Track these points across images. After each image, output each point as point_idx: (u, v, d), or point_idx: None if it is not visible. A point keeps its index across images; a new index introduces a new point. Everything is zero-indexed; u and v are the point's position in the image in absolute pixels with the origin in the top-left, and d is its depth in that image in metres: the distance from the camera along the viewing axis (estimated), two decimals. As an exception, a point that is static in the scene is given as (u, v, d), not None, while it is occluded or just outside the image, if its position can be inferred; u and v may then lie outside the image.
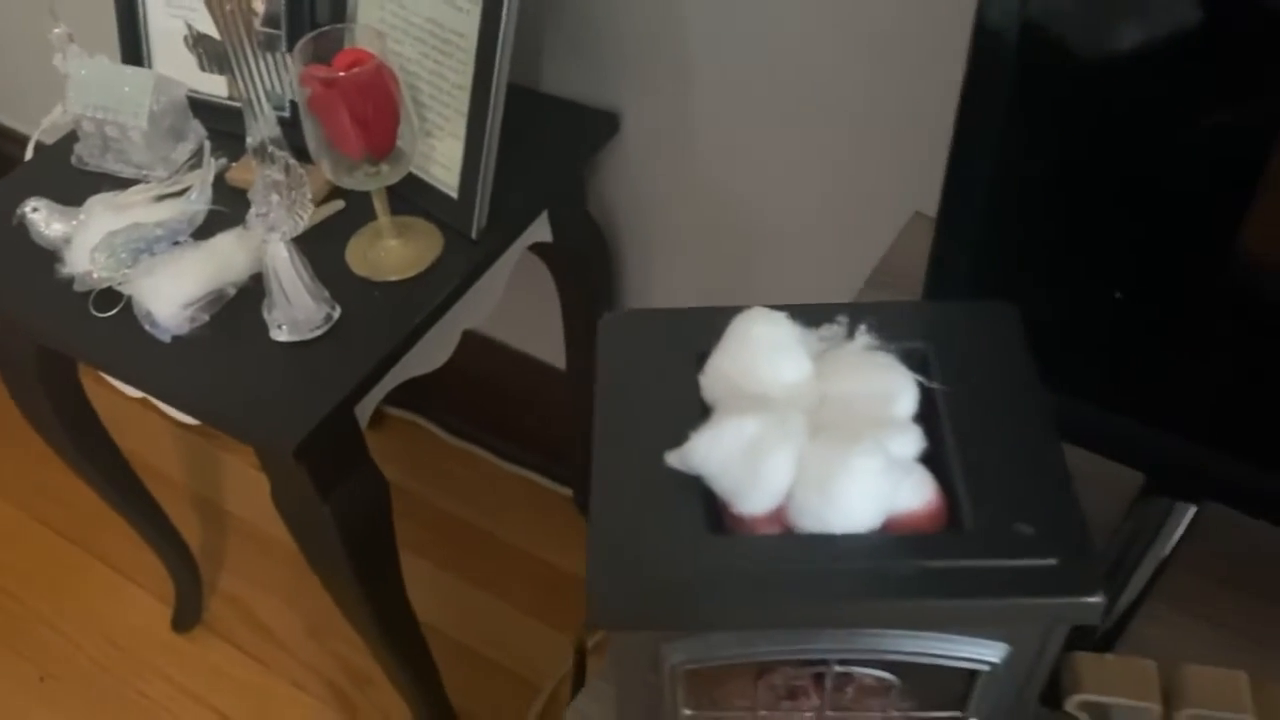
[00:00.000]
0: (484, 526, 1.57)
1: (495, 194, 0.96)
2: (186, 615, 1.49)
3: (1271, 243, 0.51)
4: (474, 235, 0.97)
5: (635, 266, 1.26)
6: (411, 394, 1.65)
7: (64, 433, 1.17)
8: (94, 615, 1.52)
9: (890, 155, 0.94)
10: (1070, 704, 0.49)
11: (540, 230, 1.10)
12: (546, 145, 1.07)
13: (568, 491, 1.58)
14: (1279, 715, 0.47)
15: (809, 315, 0.46)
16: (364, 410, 0.95)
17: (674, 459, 0.41)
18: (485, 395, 1.57)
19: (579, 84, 1.11)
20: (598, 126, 1.10)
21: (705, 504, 0.41)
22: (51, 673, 1.47)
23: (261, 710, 1.42)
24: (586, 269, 1.21)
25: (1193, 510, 0.60)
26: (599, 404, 0.45)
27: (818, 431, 0.41)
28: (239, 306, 0.93)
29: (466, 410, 1.63)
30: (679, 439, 0.42)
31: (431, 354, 1.01)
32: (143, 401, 1.57)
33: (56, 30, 1.02)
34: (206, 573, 1.52)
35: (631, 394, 0.45)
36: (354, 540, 0.97)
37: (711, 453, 0.40)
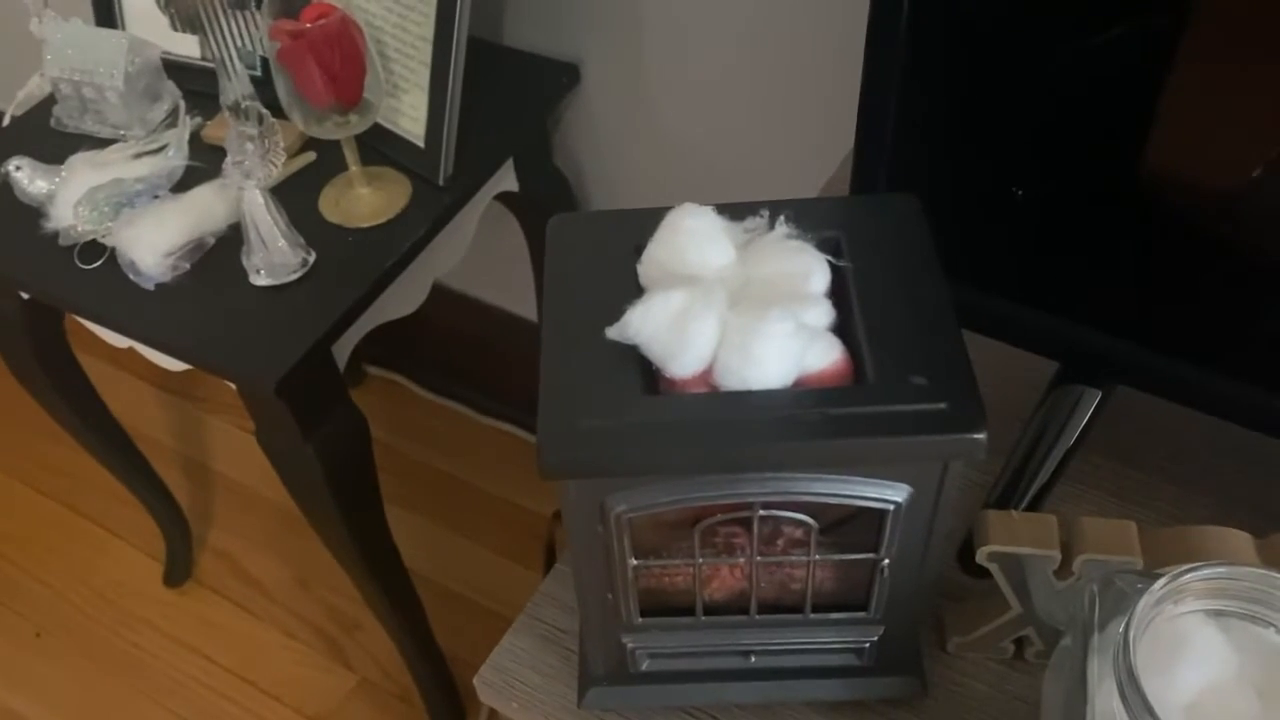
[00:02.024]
0: (463, 477, 1.62)
1: (460, 143, 1.01)
2: (177, 570, 1.54)
3: (1162, 145, 0.57)
4: (441, 182, 1.02)
5: (600, 216, 1.31)
6: (390, 352, 1.70)
7: (53, 390, 1.21)
8: (85, 572, 1.57)
9: (828, 95, 1.00)
10: (981, 555, 0.54)
11: (507, 180, 1.14)
12: (509, 96, 1.12)
13: (543, 441, 1.63)
14: (1163, 555, 0.53)
15: (734, 210, 0.51)
16: (341, 351, 0.99)
17: (613, 331, 0.46)
18: (461, 351, 1.62)
19: (540, 37, 1.15)
20: (559, 78, 1.15)
21: (641, 371, 0.46)
22: (47, 628, 1.52)
23: (253, 658, 1.47)
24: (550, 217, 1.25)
25: (1098, 396, 0.65)
26: (547, 291, 0.50)
27: (739, 305, 0.46)
28: (218, 255, 0.98)
29: (443, 366, 1.68)
30: (618, 316, 0.47)
31: (404, 298, 1.06)
32: (129, 367, 1.62)
33: (32, -4, 1.06)
34: (195, 529, 1.56)
35: (576, 281, 0.50)
36: (337, 477, 1.01)
37: (644, 323, 0.45)
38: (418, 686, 1.37)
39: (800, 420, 0.44)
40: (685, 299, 0.45)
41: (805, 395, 0.45)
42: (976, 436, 0.43)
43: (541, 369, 0.47)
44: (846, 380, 0.46)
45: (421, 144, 1.02)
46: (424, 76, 0.99)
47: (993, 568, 0.56)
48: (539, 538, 1.56)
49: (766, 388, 0.45)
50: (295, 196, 0.99)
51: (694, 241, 0.49)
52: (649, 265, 0.49)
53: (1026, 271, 0.64)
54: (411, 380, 1.72)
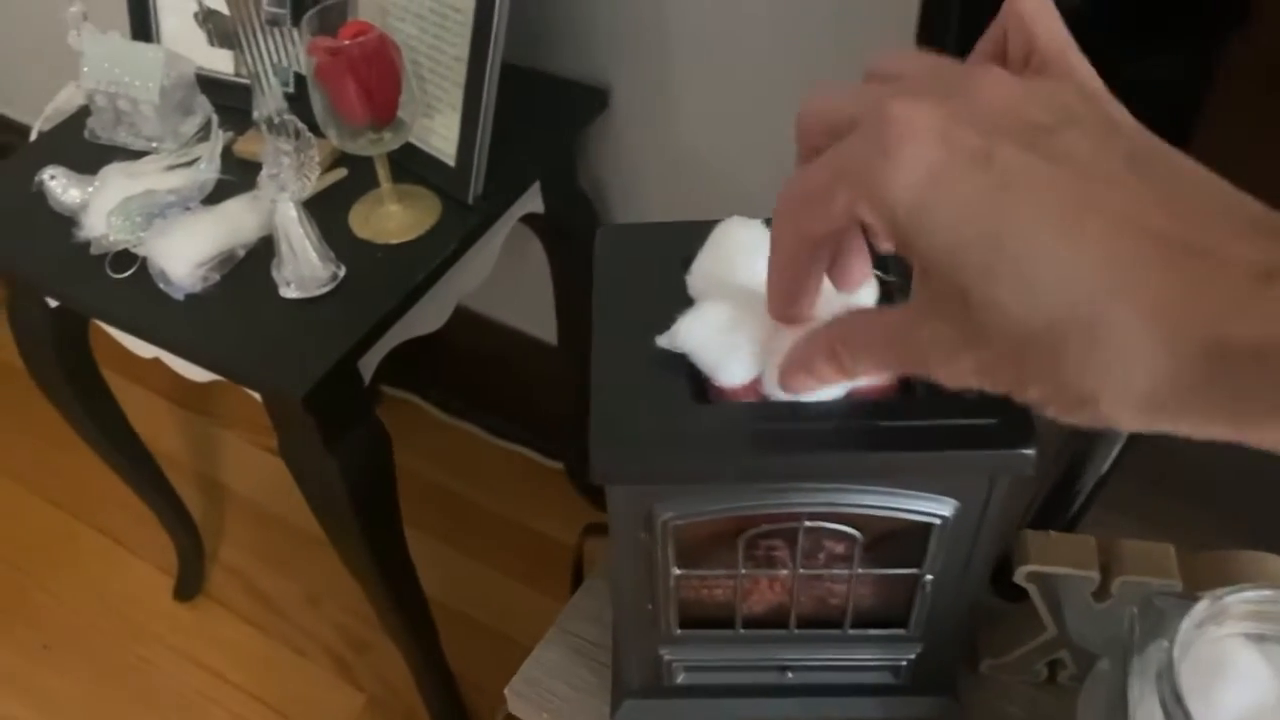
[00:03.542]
0: (477, 500, 1.62)
1: (490, 164, 1.02)
2: (189, 584, 1.54)
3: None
4: (470, 201, 1.03)
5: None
6: (406, 372, 1.71)
7: (75, 400, 1.22)
8: (95, 585, 1.57)
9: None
10: (1019, 575, 0.55)
11: (533, 201, 1.15)
12: (539, 119, 1.13)
13: (558, 465, 1.63)
14: (1201, 579, 0.53)
15: (782, 225, 0.52)
16: (367, 365, 1.00)
17: (663, 340, 0.46)
18: (478, 372, 1.62)
19: (570, 61, 1.17)
20: (587, 102, 1.16)
21: (691, 379, 0.47)
22: (55, 640, 1.51)
23: (262, 675, 1.46)
24: (576, 240, 1.26)
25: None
26: (596, 301, 0.51)
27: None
28: (248, 267, 0.99)
29: (460, 387, 1.69)
30: (668, 326, 0.47)
31: (430, 315, 1.07)
32: (144, 380, 1.62)
33: (72, 9, 1.07)
34: (206, 544, 1.56)
35: (625, 291, 0.51)
36: (359, 491, 1.02)
37: (694, 331, 0.45)
38: (426, 707, 1.36)
39: (850, 431, 0.44)
40: (735, 309, 0.45)
41: (855, 407, 0.45)
42: (1025, 452, 0.44)
43: (592, 376, 0.47)
44: (895, 393, 0.46)
45: (452, 163, 1.03)
46: (457, 97, 1.00)
47: (1030, 588, 0.56)
48: (550, 562, 1.56)
49: (817, 399, 0.45)
50: (326, 212, 1.00)
51: (743, 253, 0.49)
52: (697, 276, 0.50)
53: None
54: (427, 401, 1.73)
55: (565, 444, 1.59)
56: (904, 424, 0.44)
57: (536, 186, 1.14)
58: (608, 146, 1.23)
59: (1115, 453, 0.66)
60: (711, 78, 1.09)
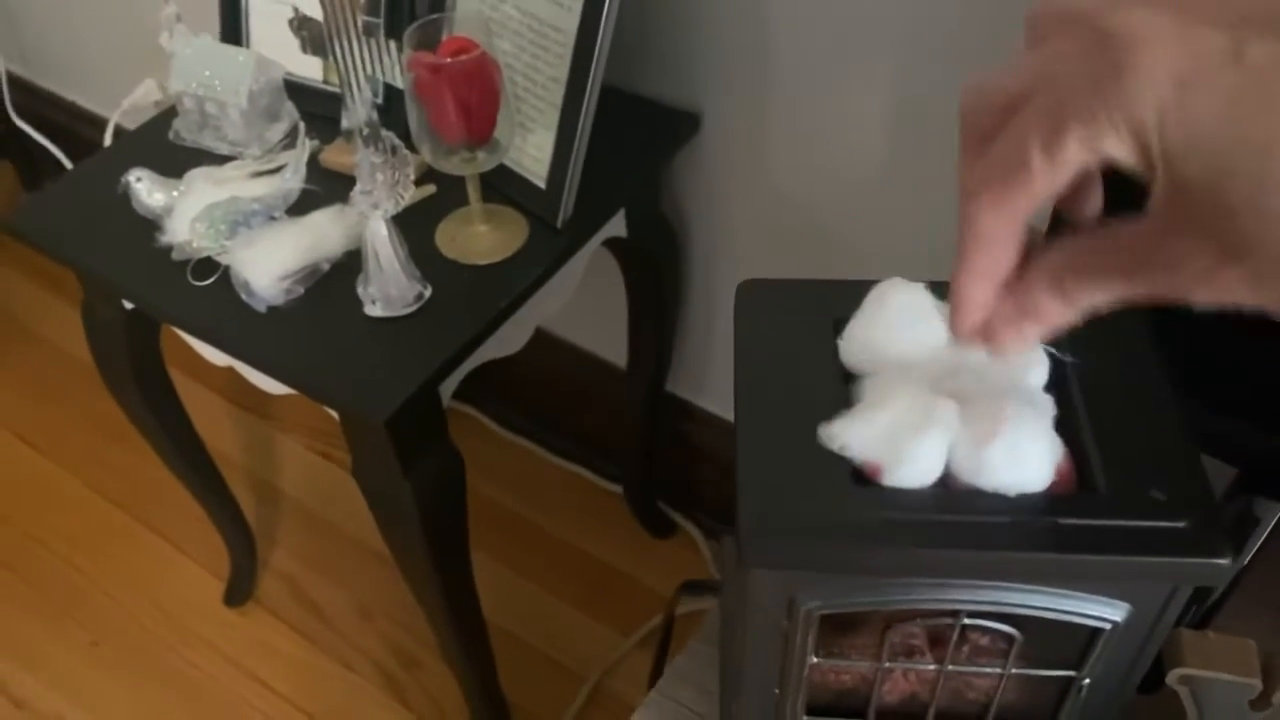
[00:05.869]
0: (533, 520, 1.59)
1: (579, 186, 0.99)
2: (240, 590, 1.52)
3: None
4: (559, 224, 1.00)
5: (699, 268, 1.29)
6: (465, 386, 1.68)
7: (143, 400, 1.20)
8: (146, 585, 1.55)
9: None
10: (1172, 678, 0.51)
11: (616, 225, 1.13)
12: (627, 141, 1.09)
13: (617, 489, 1.60)
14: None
15: (944, 288, 0.48)
16: (446, 388, 0.97)
17: (824, 436, 0.43)
18: (540, 390, 1.60)
19: (661, 84, 1.14)
20: (678, 126, 1.13)
21: (849, 459, 0.43)
22: (103, 638, 1.50)
23: (309, 686, 1.44)
24: (656, 266, 1.23)
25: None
26: (738, 364, 0.48)
27: (953, 398, 0.43)
28: (332, 282, 0.96)
29: (520, 404, 1.66)
30: (820, 400, 0.44)
31: (510, 338, 1.04)
32: (203, 379, 1.61)
33: (166, 10, 1.06)
34: (259, 550, 1.54)
35: (771, 356, 0.48)
36: (430, 515, 0.99)
37: (858, 434, 0.41)
38: (476, 732, 1.34)
39: (1028, 528, 0.41)
40: (905, 414, 0.41)
41: (1033, 501, 0.41)
42: (1220, 562, 0.40)
43: (739, 451, 0.44)
44: (1070, 485, 0.43)
45: (543, 185, 1.00)
46: (552, 118, 0.97)
47: (1182, 691, 0.52)
48: (605, 588, 1.53)
49: (1024, 490, 0.41)
50: (412, 228, 0.97)
51: (904, 320, 0.46)
52: (852, 343, 0.47)
53: (1202, 369, 0.61)
54: (486, 415, 1.70)
55: (626, 467, 1.56)
56: (1087, 523, 0.41)
57: (621, 210, 1.12)
58: (693, 172, 1.19)
59: (1260, 542, 0.62)
60: (815, 115, 1.05)
